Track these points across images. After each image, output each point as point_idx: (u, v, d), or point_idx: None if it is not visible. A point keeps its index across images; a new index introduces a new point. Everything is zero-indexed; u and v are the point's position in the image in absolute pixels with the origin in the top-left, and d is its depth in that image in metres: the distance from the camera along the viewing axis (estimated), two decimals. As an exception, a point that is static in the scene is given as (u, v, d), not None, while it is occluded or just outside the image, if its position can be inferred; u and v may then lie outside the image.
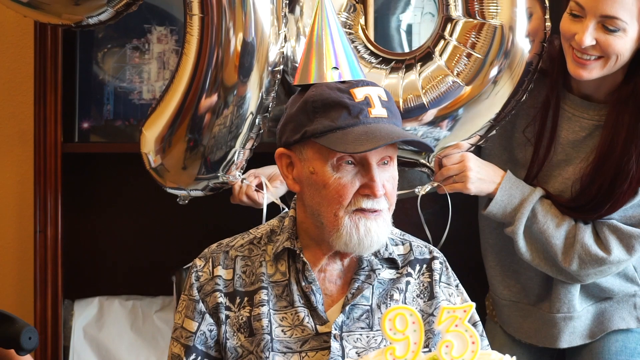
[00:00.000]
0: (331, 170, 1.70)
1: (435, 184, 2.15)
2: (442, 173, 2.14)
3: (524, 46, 2.13)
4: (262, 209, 2.13)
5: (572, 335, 2.20)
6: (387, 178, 1.72)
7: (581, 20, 2.01)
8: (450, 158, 2.14)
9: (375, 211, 1.72)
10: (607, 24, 1.99)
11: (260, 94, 2.14)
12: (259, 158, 2.19)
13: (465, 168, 2.11)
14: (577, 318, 2.19)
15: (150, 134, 2.16)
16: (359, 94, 1.71)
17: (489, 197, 2.14)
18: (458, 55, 2.12)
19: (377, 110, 1.71)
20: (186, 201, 2.21)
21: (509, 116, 2.15)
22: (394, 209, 1.77)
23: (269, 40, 2.14)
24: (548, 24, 2.15)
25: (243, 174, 2.17)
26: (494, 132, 2.17)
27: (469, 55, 2.11)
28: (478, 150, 2.21)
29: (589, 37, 1.99)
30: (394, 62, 2.20)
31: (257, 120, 2.15)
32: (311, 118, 1.71)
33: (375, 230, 1.72)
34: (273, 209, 2.08)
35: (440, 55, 2.13)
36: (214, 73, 2.13)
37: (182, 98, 2.14)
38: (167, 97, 2.18)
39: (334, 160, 1.69)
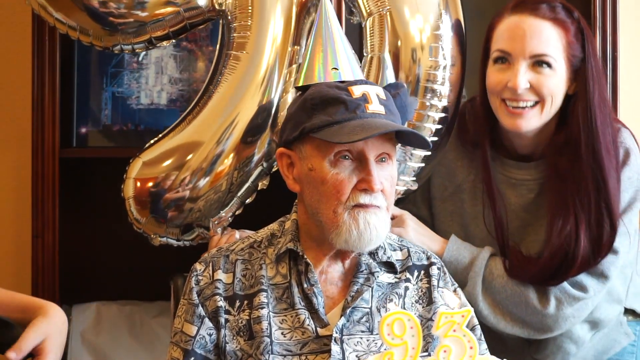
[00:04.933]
0: (329, 166, 1.71)
1: None
2: None
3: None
4: None
5: None
6: (385, 176, 1.73)
7: (510, 67, 2.02)
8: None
9: (374, 207, 1.73)
10: (538, 62, 2.01)
11: (262, 162, 2.16)
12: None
13: (404, 218, 2.11)
14: (572, 357, 2.19)
15: (136, 177, 2.16)
16: (357, 91, 1.73)
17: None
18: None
19: (374, 107, 1.72)
20: (161, 242, 2.22)
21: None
22: (392, 208, 1.79)
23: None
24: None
25: (224, 230, 2.18)
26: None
27: None
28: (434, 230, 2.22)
29: (523, 80, 2.00)
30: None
31: (252, 184, 2.17)
32: (310, 115, 1.73)
33: (375, 224, 1.72)
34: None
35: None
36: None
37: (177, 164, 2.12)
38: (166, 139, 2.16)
39: (332, 155, 1.70)
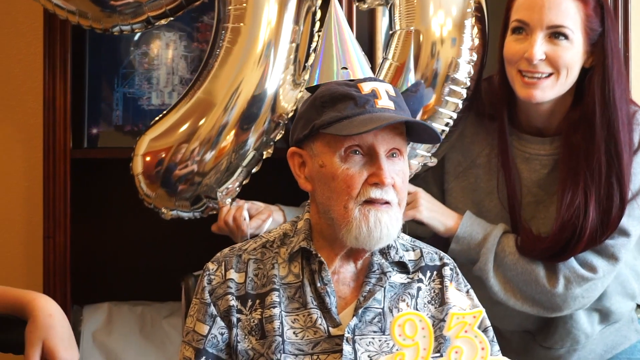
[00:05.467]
0: (339, 162, 1.72)
1: None
2: None
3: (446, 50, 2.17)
4: (242, 239, 2.15)
5: (583, 357, 2.23)
6: (396, 171, 1.73)
7: (527, 38, 2.05)
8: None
9: (385, 203, 1.72)
10: (555, 33, 2.03)
11: (266, 130, 2.19)
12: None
13: (417, 197, 2.14)
14: (581, 348, 2.21)
15: (144, 154, 2.20)
16: (366, 87, 1.74)
17: (450, 235, 2.17)
18: (388, 68, 2.19)
19: (384, 102, 1.72)
20: (172, 216, 2.24)
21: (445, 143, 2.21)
22: (405, 205, 1.78)
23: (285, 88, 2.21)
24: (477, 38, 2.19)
25: (232, 201, 2.20)
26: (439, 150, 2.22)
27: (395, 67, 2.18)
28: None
29: (539, 51, 2.02)
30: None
31: (256, 155, 2.19)
32: (320, 112, 1.73)
33: (386, 223, 1.72)
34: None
35: (379, 71, 2.20)
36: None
37: (184, 137, 2.16)
38: (168, 117, 2.19)
39: (342, 151, 1.71)
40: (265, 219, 2.18)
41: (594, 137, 2.07)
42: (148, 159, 2.17)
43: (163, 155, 2.16)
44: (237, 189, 2.20)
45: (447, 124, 2.19)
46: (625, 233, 2.10)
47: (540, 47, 2.03)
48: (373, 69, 2.42)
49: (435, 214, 2.16)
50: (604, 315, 2.20)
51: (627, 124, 2.09)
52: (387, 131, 1.71)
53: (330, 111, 1.72)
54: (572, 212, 2.07)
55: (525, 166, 2.17)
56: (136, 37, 2.57)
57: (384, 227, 1.72)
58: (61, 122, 2.37)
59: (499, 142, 2.17)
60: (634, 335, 2.23)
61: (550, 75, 2.05)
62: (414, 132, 1.77)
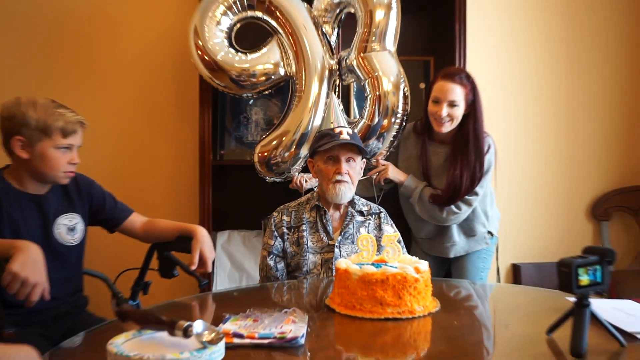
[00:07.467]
0: (324, 164, 1.86)
1: (375, 175, 2.29)
2: (377, 169, 2.28)
3: (395, 103, 2.24)
4: (302, 192, 2.22)
5: (455, 251, 2.35)
6: (350, 167, 1.86)
7: (439, 105, 2.16)
8: (380, 162, 2.30)
9: (344, 182, 1.83)
10: (452, 104, 2.15)
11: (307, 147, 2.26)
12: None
13: (388, 167, 2.26)
14: (457, 244, 2.33)
15: (258, 153, 2.27)
16: (337, 130, 1.88)
17: (402, 184, 2.27)
18: (369, 112, 2.26)
19: (344, 136, 1.85)
20: (271, 180, 2.31)
21: (396, 142, 2.31)
22: (356, 184, 1.90)
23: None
24: (405, 98, 2.24)
25: (298, 173, 2.29)
26: (391, 150, 2.32)
27: (374, 111, 2.24)
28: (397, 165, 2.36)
29: (445, 113, 2.16)
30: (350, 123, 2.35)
31: (307, 152, 2.26)
32: (318, 142, 1.88)
33: (344, 190, 1.85)
34: (307, 191, 2.23)
35: (364, 114, 2.29)
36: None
37: (274, 146, 2.23)
38: (276, 133, 2.23)
39: (325, 159, 1.85)
40: (314, 181, 2.22)
41: (468, 144, 2.16)
42: (259, 154, 2.24)
43: (266, 154, 2.23)
44: (301, 168, 2.25)
45: (394, 136, 2.27)
46: (476, 194, 2.21)
47: (445, 110, 2.12)
48: (349, 109, 2.59)
49: (396, 174, 2.21)
50: (468, 230, 2.29)
51: (484, 141, 2.20)
52: (346, 149, 1.85)
53: (321, 141, 1.86)
54: (454, 178, 2.15)
55: (433, 158, 2.25)
56: (242, 106, 2.64)
57: (343, 192, 1.85)
58: (207, 147, 2.47)
59: (422, 145, 2.25)
60: (484, 245, 2.33)
61: (449, 120, 2.14)
62: (360, 151, 1.89)
